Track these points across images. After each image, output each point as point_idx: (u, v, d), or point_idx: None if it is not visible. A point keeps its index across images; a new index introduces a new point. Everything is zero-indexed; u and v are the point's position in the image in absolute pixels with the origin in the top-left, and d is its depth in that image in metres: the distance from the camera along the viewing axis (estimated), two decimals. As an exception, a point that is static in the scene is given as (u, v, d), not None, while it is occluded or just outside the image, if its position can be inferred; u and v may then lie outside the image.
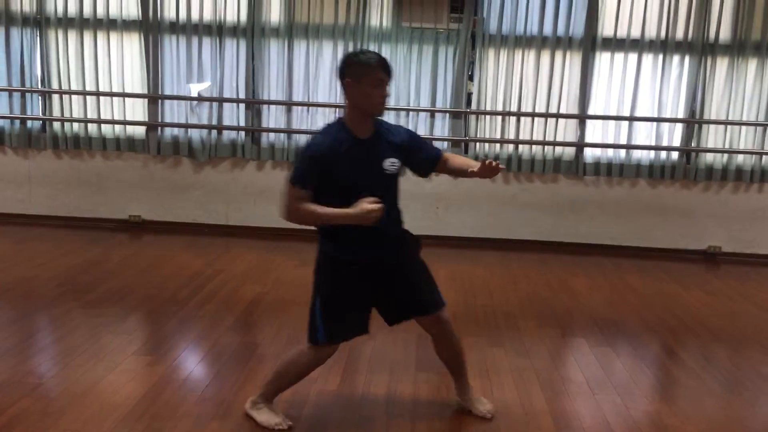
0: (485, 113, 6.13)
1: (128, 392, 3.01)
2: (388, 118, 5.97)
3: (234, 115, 6.25)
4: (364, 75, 2.55)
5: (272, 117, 6.26)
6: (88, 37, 6.14)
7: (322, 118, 6.22)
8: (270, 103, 6.20)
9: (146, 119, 6.28)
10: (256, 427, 2.77)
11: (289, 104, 6.19)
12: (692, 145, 6.08)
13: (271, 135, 6.28)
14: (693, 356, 3.83)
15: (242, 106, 6.23)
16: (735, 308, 4.76)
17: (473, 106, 6.15)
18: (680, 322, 4.38)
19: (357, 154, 2.61)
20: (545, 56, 6.04)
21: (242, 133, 6.29)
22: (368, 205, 2.49)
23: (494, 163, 2.67)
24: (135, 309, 4.16)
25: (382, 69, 2.58)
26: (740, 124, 5.98)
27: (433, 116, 6.18)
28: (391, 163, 2.67)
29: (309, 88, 6.18)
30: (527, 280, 5.20)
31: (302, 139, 6.24)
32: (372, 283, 2.73)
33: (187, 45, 6.15)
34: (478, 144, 6.20)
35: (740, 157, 6.07)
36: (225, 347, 3.64)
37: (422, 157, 2.83)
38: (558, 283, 5.15)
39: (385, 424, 2.87)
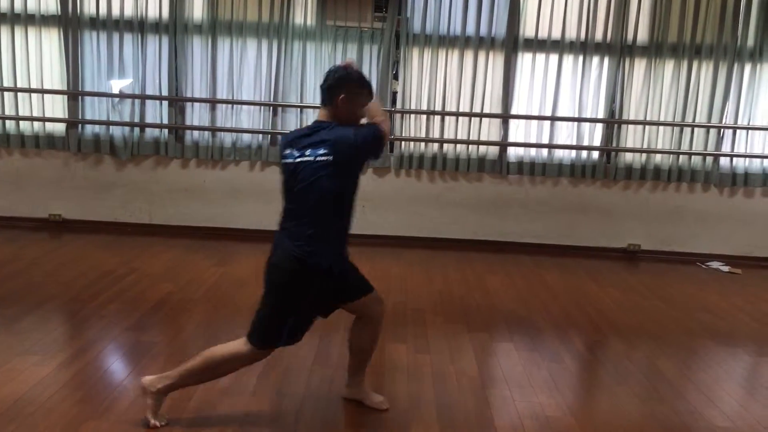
0: (410, 112, 6.16)
1: (5, 393, 2.94)
2: (312, 113, 5.99)
3: (157, 113, 6.17)
4: (355, 98, 2.72)
5: (196, 114, 6.19)
6: (5, 32, 6.01)
7: (246, 116, 6.19)
8: (194, 100, 6.14)
9: (66, 116, 6.16)
10: (131, 427, 2.72)
11: (213, 102, 6.13)
12: (612, 144, 6.19)
13: (195, 133, 6.21)
14: (590, 350, 3.90)
15: (165, 103, 6.15)
16: (643, 304, 4.86)
17: (398, 105, 6.17)
18: (586, 318, 4.45)
19: None
20: (468, 56, 6.09)
21: (165, 131, 6.21)
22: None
23: None
24: (34, 308, 4.07)
25: (370, 93, 2.80)
26: (658, 124, 6.11)
27: (358, 115, 6.16)
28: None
29: (233, 85, 6.13)
30: (444, 277, 5.23)
31: (227, 138, 6.20)
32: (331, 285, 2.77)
33: (108, 41, 6.05)
34: (403, 143, 6.22)
35: (658, 157, 6.20)
36: (119, 347, 3.59)
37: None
38: (475, 281, 5.19)
39: (271, 419, 2.85)
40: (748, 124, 6.10)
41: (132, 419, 2.78)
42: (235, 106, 6.16)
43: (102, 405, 2.91)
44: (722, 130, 6.13)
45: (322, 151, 2.62)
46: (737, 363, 3.85)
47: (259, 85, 6.13)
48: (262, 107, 6.15)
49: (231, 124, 6.17)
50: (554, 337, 4.09)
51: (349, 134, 2.65)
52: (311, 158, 2.63)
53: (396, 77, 6.17)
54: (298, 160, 2.66)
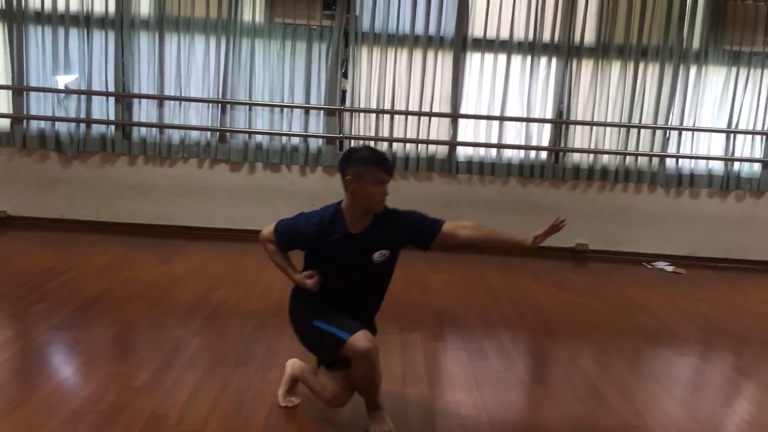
0: (359, 111, 6.15)
1: None
2: (261, 111, 5.97)
3: (103, 109, 6.12)
4: (365, 174, 2.62)
5: (143, 111, 6.14)
6: (-54, 25, 5.92)
7: (195, 113, 6.16)
8: (141, 96, 6.09)
9: (11, 112, 6.07)
10: (34, 427, 2.69)
11: (160, 98, 6.08)
12: (560, 145, 6.23)
13: (143, 129, 6.16)
14: (518, 348, 3.92)
15: (112, 99, 6.10)
16: (581, 303, 4.90)
17: (347, 104, 6.16)
18: (520, 317, 4.48)
19: (346, 247, 2.72)
20: (417, 55, 6.10)
21: (112, 127, 6.15)
22: (308, 280, 2.73)
23: (558, 222, 2.71)
24: (-40, 306, 4.01)
25: (383, 168, 2.66)
26: (605, 125, 6.16)
27: (307, 113, 6.17)
28: (380, 255, 2.75)
29: (181, 82, 6.09)
30: (387, 276, 5.22)
31: (175, 135, 6.16)
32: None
33: (53, 36, 5.98)
34: (352, 141, 6.21)
35: (605, 158, 6.25)
36: (41, 345, 3.55)
37: (419, 235, 2.84)
38: (416, 280, 5.20)
39: (177, 420, 2.83)
40: (694, 126, 6.17)
41: (37, 420, 2.74)
42: (183, 102, 6.12)
43: (11, 404, 2.86)
44: (668, 131, 6.19)
45: None
46: (661, 362, 3.89)
47: (207, 82, 6.10)
48: (211, 104, 6.11)
49: (179, 121, 6.14)
50: (485, 336, 4.11)
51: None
52: None
53: (345, 75, 6.16)
54: None
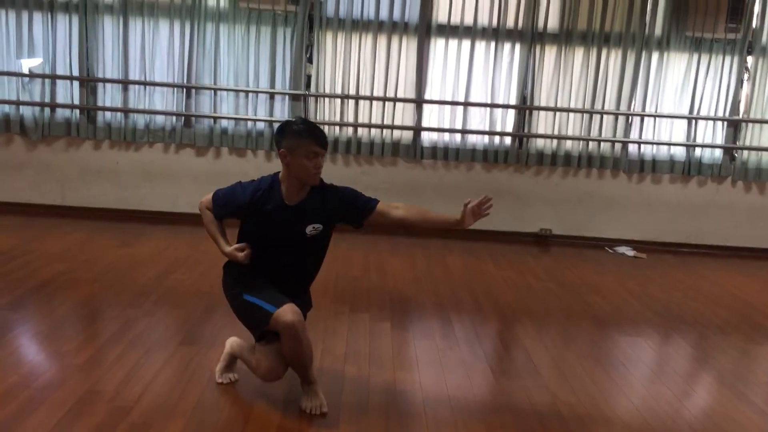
0: (324, 96, 6.18)
1: None
2: (226, 95, 5.98)
3: (68, 93, 6.12)
4: (298, 147, 2.65)
5: (108, 95, 6.15)
6: None
7: (160, 98, 6.17)
8: (105, 81, 6.09)
9: (-25, 95, 6.07)
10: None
11: (125, 82, 6.09)
12: (524, 130, 6.27)
13: (108, 114, 6.17)
14: (464, 328, 3.96)
15: (76, 83, 6.09)
16: (536, 286, 4.96)
17: (312, 89, 6.18)
18: (473, 299, 4.53)
19: (279, 219, 2.77)
20: (382, 41, 6.13)
21: (77, 112, 6.15)
22: (238, 252, 2.75)
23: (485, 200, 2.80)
24: None
25: (316, 141, 2.67)
26: (568, 110, 6.20)
27: (272, 98, 6.19)
28: (313, 228, 2.80)
29: (146, 66, 6.09)
30: (346, 260, 5.27)
31: (140, 119, 6.16)
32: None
33: (17, 20, 5.98)
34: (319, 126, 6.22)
35: (569, 143, 6.30)
36: (-14, 324, 3.57)
37: (354, 211, 2.88)
38: (375, 263, 5.25)
39: (111, 397, 2.86)
40: (656, 112, 6.22)
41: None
42: (148, 87, 6.12)
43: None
44: (631, 117, 6.24)
45: None
46: (605, 342, 3.95)
47: (172, 67, 6.11)
48: (176, 89, 6.12)
49: (144, 106, 6.14)
50: (434, 316, 4.16)
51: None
52: None
53: (310, 61, 6.18)
54: None
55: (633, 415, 3.03)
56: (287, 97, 6.18)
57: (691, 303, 4.77)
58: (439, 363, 3.46)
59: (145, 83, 6.09)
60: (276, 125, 6.00)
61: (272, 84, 6.14)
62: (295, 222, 2.80)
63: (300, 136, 2.69)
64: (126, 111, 6.14)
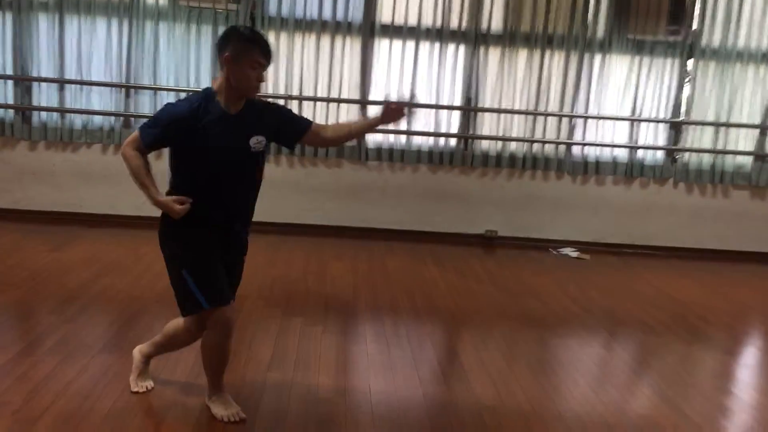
0: (267, 96, 6.05)
1: None
2: (167, 95, 5.86)
3: (1, 93, 5.94)
4: (243, 55, 2.53)
5: (44, 95, 5.98)
6: None
7: (98, 98, 6.03)
8: (41, 80, 5.93)
9: None
10: None
11: (61, 82, 5.93)
12: (469, 132, 6.26)
13: (43, 114, 6.00)
14: (397, 333, 3.91)
15: (10, 82, 5.92)
16: (474, 288, 4.94)
17: (255, 89, 6.07)
18: (410, 303, 4.49)
19: (221, 128, 2.57)
20: (325, 41, 6.06)
21: (11, 111, 5.98)
22: (176, 205, 2.54)
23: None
24: None
25: (262, 52, 2.56)
26: (512, 112, 6.21)
27: (214, 98, 6.05)
28: (257, 141, 2.66)
29: (82, 65, 5.94)
30: (287, 263, 5.21)
31: (77, 119, 6.01)
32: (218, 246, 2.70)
33: (-53, 16, 5.77)
34: (260, 127, 6.14)
35: (513, 145, 6.30)
36: None
37: (289, 129, 2.80)
38: (316, 267, 5.18)
39: (18, 407, 2.76)
40: (599, 114, 6.25)
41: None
42: (85, 87, 5.97)
43: None
44: (574, 119, 6.26)
45: None
46: (538, 345, 3.94)
47: (110, 66, 5.97)
48: (114, 88, 5.98)
49: (81, 105, 5.99)
50: (367, 321, 4.11)
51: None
52: None
53: (252, 60, 6.07)
54: None
55: (557, 420, 3.01)
56: (229, 97, 6.06)
57: (627, 304, 4.80)
58: (366, 369, 3.41)
59: (82, 82, 5.94)
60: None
61: (214, 84, 6.02)
62: (238, 133, 2.63)
63: (247, 44, 2.56)
64: (62, 111, 5.98)
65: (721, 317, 4.65)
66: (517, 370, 3.53)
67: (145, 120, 5.76)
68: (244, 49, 2.55)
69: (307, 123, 2.85)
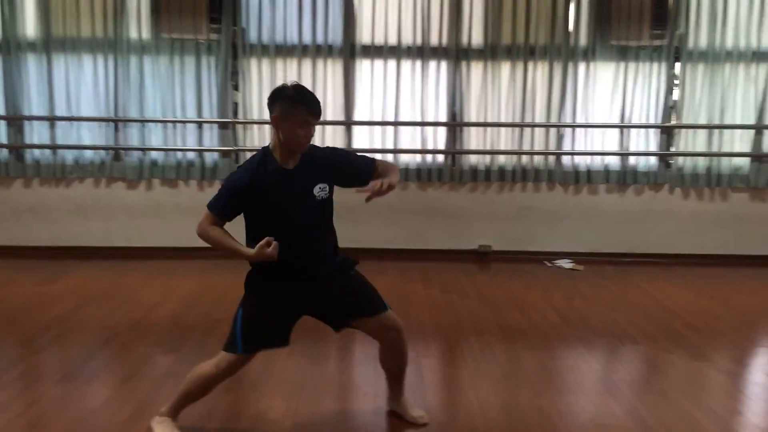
0: (252, 123, 6.14)
1: None
2: (154, 127, 5.95)
3: (-5, 133, 6.10)
4: (289, 114, 2.56)
5: (36, 133, 6.12)
6: None
7: (88, 133, 6.14)
8: (32, 118, 6.08)
9: None
10: None
11: (51, 119, 6.07)
12: (456, 147, 6.22)
13: (36, 151, 6.14)
14: (364, 352, 3.81)
15: (2, 123, 6.08)
16: (456, 303, 4.87)
17: (240, 116, 6.15)
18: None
19: (285, 185, 2.63)
20: (307, 64, 6.10)
21: (5, 150, 6.13)
22: (265, 249, 2.52)
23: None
24: None
25: (309, 111, 2.59)
26: (498, 125, 6.15)
27: (200, 127, 6.15)
28: (320, 189, 2.70)
29: (71, 102, 6.08)
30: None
31: (69, 155, 6.14)
32: (303, 297, 2.74)
33: (-60, 61, 5.97)
34: (247, 153, 6.19)
35: (502, 158, 6.24)
36: None
37: (355, 170, 2.79)
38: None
39: None
40: (587, 122, 6.16)
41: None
42: (74, 123, 6.10)
43: None
44: (562, 128, 6.19)
45: None
46: (506, 358, 3.84)
47: (98, 101, 6.10)
48: (103, 123, 6.10)
49: (72, 141, 6.11)
50: (335, 340, 4.02)
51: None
52: None
53: (236, 88, 6.15)
54: None
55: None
56: (215, 125, 6.15)
57: (612, 314, 4.67)
58: (323, 389, 3.38)
59: (71, 119, 6.07)
60: (206, 154, 6.00)
61: (199, 113, 6.12)
62: (300, 186, 2.67)
63: (293, 103, 2.59)
64: (54, 147, 6.12)
65: (712, 324, 4.49)
66: (478, 383, 3.46)
67: (137, 152, 5.94)
68: (290, 109, 2.58)
69: (371, 163, 2.81)
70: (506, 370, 3.66)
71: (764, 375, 3.73)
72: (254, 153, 2.75)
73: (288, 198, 2.63)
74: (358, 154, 2.89)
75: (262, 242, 2.53)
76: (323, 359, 3.78)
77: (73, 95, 6.07)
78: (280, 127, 2.60)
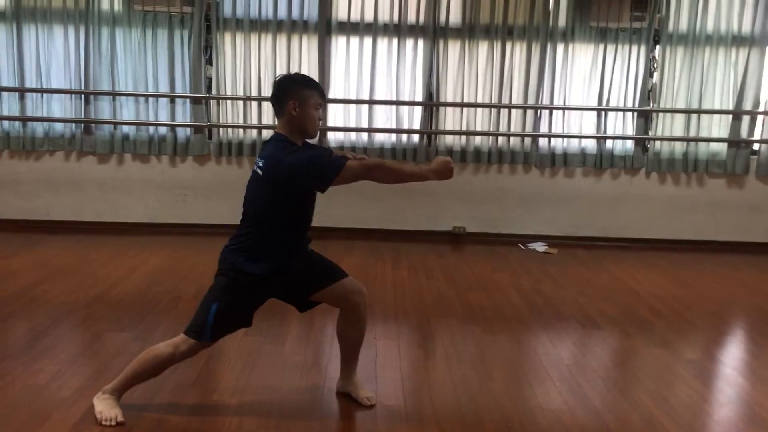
0: (226, 98, 6.06)
1: None
2: (126, 101, 5.87)
3: (-37, 104, 6.00)
4: (307, 98, 2.65)
5: (5, 104, 6.03)
6: None
7: (58, 105, 6.05)
8: (1, 89, 5.98)
9: None
10: None
11: (21, 90, 5.97)
12: (431, 127, 6.15)
13: (5, 123, 6.06)
14: (322, 333, 3.83)
15: (-29, 93, 5.98)
16: (422, 284, 4.83)
17: (213, 91, 6.07)
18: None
19: None
20: (282, 40, 6.01)
21: (-27, 122, 6.04)
22: (444, 158, 2.69)
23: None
24: None
25: (320, 92, 2.71)
26: (475, 106, 6.08)
27: (173, 102, 6.07)
28: None
29: (41, 73, 5.98)
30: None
31: (39, 128, 6.04)
32: (282, 281, 2.78)
33: None
34: (221, 130, 6.12)
35: (478, 139, 6.18)
36: None
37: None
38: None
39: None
40: (564, 104, 6.10)
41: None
42: (45, 95, 6.00)
43: None
44: (539, 110, 6.12)
45: (260, 164, 2.68)
46: (461, 340, 3.78)
47: (69, 73, 5.99)
48: (74, 95, 6.01)
49: (42, 114, 6.02)
50: (295, 321, 4.00)
51: (280, 155, 2.62)
52: (256, 169, 2.71)
53: (210, 62, 6.06)
54: (254, 168, 2.74)
55: (455, 413, 2.89)
56: (188, 100, 6.06)
57: (579, 298, 4.64)
58: (275, 369, 3.35)
59: (41, 90, 5.98)
60: (178, 130, 5.92)
61: (172, 87, 6.03)
62: None
63: (308, 87, 2.69)
64: (23, 119, 6.02)
65: (679, 310, 4.46)
66: (432, 364, 3.43)
67: (108, 126, 5.85)
68: (306, 93, 2.66)
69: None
70: (463, 353, 3.62)
71: (723, 364, 3.69)
72: (281, 140, 2.70)
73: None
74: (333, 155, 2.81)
75: (447, 157, 2.73)
76: (280, 340, 3.73)
77: (44, 67, 5.97)
78: (299, 112, 2.65)
